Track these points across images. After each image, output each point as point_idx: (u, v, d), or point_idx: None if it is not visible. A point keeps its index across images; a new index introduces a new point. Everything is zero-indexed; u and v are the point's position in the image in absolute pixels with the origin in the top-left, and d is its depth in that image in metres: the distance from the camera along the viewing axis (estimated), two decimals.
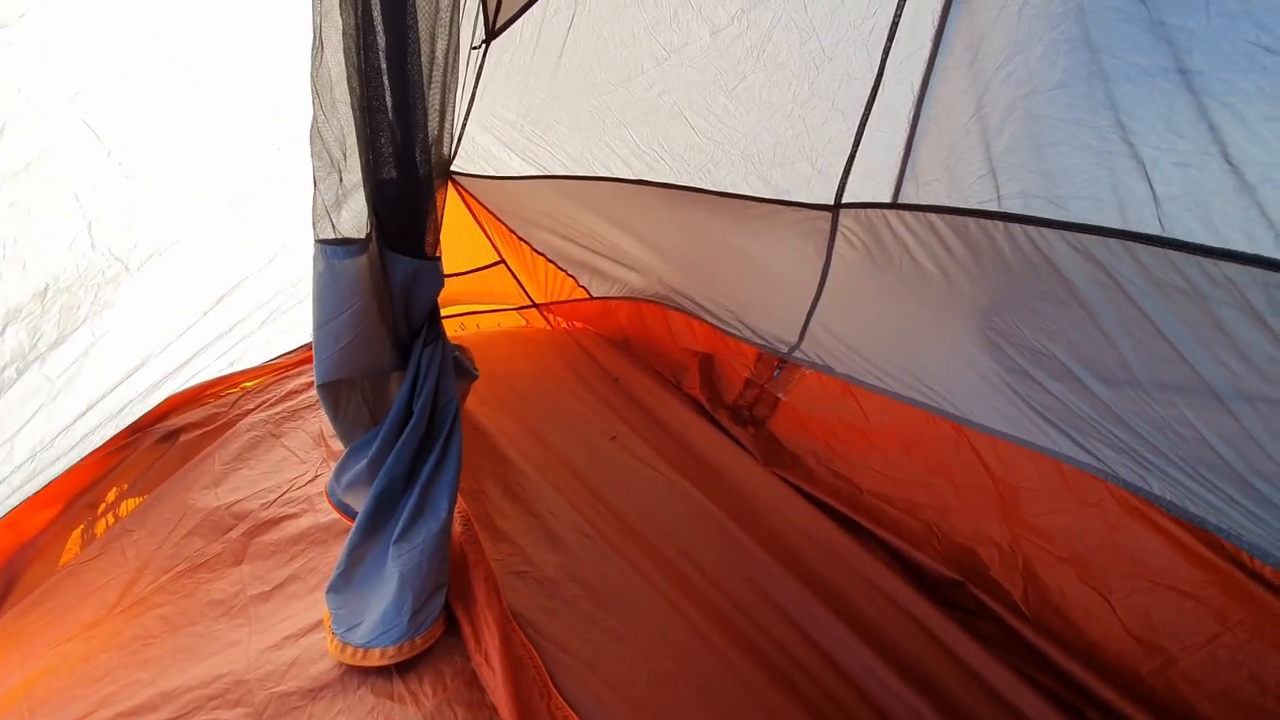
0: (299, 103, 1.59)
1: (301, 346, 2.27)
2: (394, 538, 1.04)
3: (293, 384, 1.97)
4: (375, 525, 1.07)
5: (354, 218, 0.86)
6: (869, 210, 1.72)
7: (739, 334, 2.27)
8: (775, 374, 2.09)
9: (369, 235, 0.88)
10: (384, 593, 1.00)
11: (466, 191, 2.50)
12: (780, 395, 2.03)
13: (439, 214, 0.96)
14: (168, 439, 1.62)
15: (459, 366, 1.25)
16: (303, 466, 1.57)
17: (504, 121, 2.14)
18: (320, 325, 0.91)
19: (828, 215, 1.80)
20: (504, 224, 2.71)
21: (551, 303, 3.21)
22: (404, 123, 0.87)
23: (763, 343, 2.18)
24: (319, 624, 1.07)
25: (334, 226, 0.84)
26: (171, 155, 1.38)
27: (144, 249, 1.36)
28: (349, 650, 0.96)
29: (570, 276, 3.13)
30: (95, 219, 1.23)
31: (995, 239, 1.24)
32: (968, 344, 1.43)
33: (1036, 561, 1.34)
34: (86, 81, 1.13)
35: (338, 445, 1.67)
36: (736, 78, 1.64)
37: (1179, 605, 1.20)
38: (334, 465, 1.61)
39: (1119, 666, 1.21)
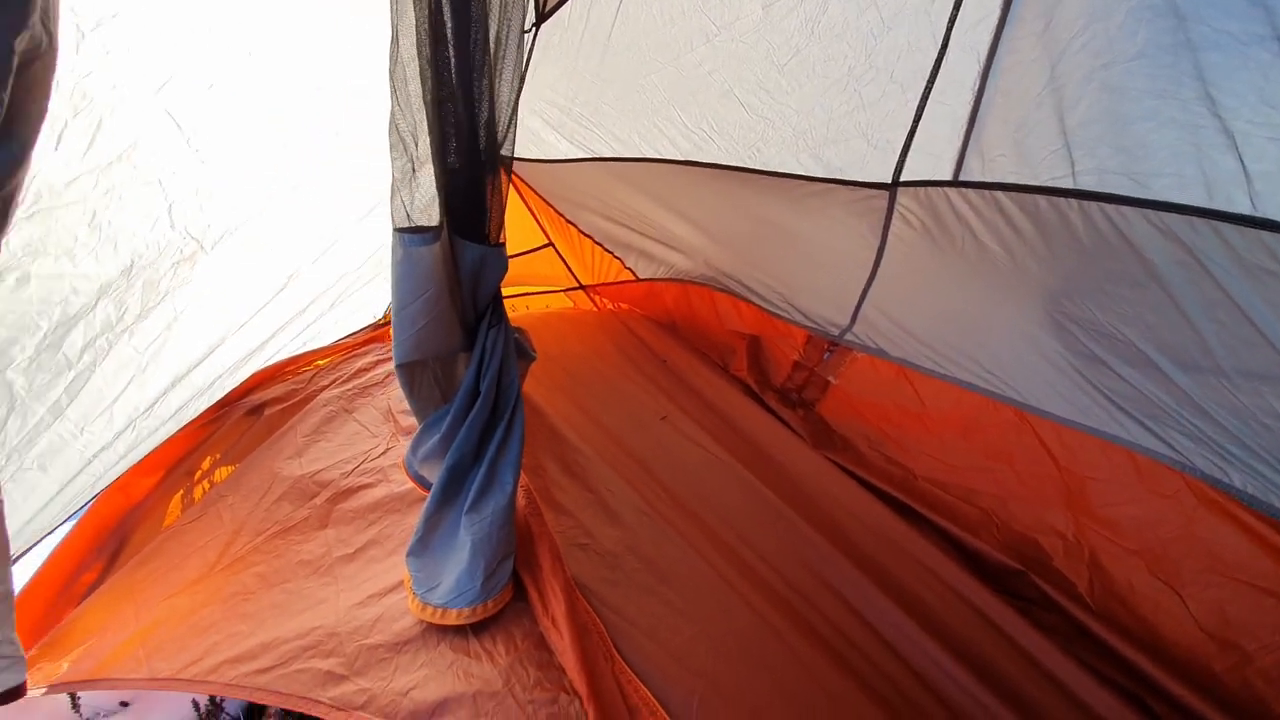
0: (352, 91, 1.65)
1: (367, 326, 2.40)
2: (465, 509, 1.11)
3: (360, 363, 2.09)
4: (448, 496, 1.14)
5: (427, 206, 0.91)
6: (929, 188, 1.67)
7: (788, 316, 2.25)
8: (825, 357, 2.08)
9: (441, 223, 0.93)
10: (458, 559, 1.08)
11: (515, 175, 2.55)
12: (830, 378, 2.01)
13: (502, 199, 0.99)
14: (254, 412, 1.76)
15: (519, 348, 1.31)
16: (374, 440, 1.67)
17: (552, 105, 2.16)
18: (399, 309, 0.97)
19: (884, 194, 1.75)
20: (552, 207, 2.76)
21: (598, 285, 3.25)
22: (469, 111, 0.91)
23: (813, 325, 2.15)
24: (399, 585, 1.15)
25: (409, 216, 0.89)
26: (241, 142, 1.47)
27: (216, 229, 1.45)
28: (429, 609, 1.04)
29: (617, 259, 3.15)
30: (175, 201, 1.31)
31: (1069, 217, 1.19)
32: (1033, 327, 1.38)
33: (1103, 553, 1.30)
34: (169, 75, 1.21)
35: (406, 420, 1.78)
36: (789, 52, 1.60)
37: (1258, 602, 1.15)
38: (403, 439, 1.71)
39: (1190, 662, 1.18)
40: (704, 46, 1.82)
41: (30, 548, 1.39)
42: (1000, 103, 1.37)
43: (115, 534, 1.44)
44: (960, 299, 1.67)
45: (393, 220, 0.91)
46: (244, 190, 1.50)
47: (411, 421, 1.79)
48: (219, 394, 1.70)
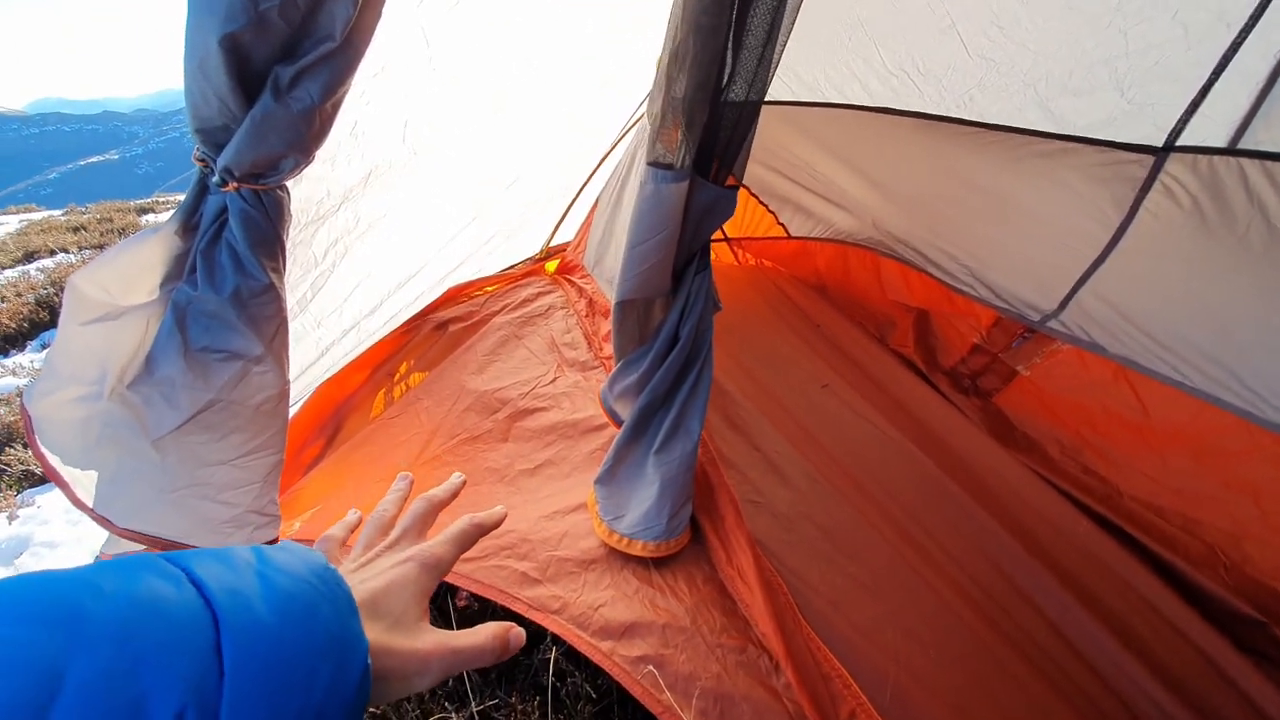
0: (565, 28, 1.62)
1: (527, 260, 2.51)
2: (654, 449, 1.13)
3: (524, 293, 2.18)
4: (637, 433, 1.17)
5: (681, 143, 0.88)
6: (1214, 157, 1.38)
7: (972, 293, 2.02)
8: (1015, 344, 1.85)
9: (689, 162, 0.89)
10: (645, 494, 1.11)
11: None
12: (1020, 369, 1.80)
13: (750, 142, 0.94)
14: (440, 328, 1.91)
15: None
16: (543, 367, 1.75)
17: None
18: (634, 245, 0.97)
19: (1147, 160, 1.47)
20: None
21: (744, 238, 3.12)
22: (736, 46, 0.85)
23: (1005, 306, 1.92)
24: (581, 506, 1.22)
25: (666, 151, 0.86)
26: (472, 68, 1.51)
27: (434, 147, 1.52)
28: (615, 536, 1.09)
29: (770, 212, 3.00)
30: (410, 118, 1.39)
31: None
32: None
33: None
34: None
35: (569, 354, 1.85)
36: None
37: None
38: (568, 370, 1.79)
39: None
40: None
41: None
42: None
43: (333, 419, 1.66)
44: (1226, 295, 1.39)
45: (647, 153, 0.89)
46: (460, 113, 1.57)
47: (574, 354, 1.86)
48: (419, 307, 1.86)
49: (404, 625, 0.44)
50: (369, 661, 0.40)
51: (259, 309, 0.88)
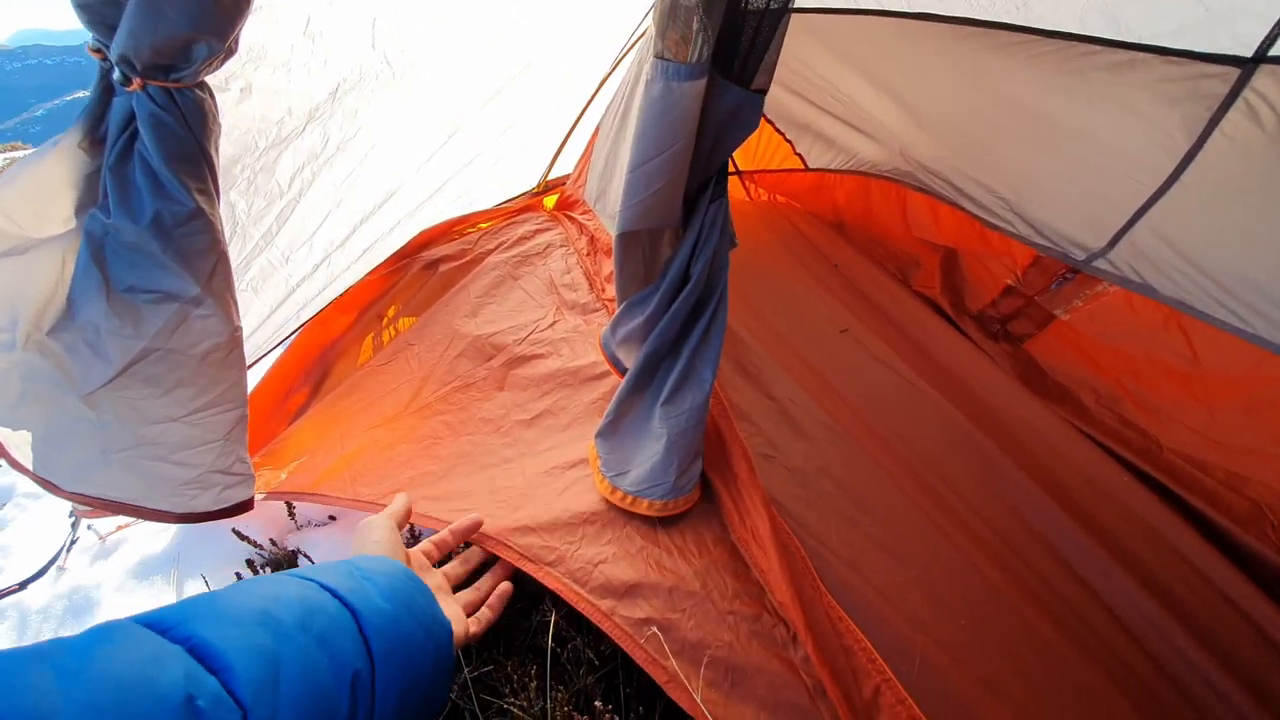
0: None
1: (523, 194, 2.33)
2: (661, 400, 1.03)
3: (520, 230, 2.03)
4: (641, 383, 1.06)
5: (698, 33, 0.71)
6: None
7: (1010, 229, 1.85)
8: (1054, 285, 1.71)
9: (707, 54, 0.73)
10: (650, 450, 1.01)
11: None
12: (1059, 312, 1.66)
13: (782, 38, 0.77)
14: (429, 267, 1.78)
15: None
16: (541, 310, 1.63)
17: None
18: (638, 164, 0.82)
19: (1230, 73, 1.28)
20: None
21: (757, 171, 2.91)
22: None
23: (1046, 244, 1.76)
24: (582, 461, 1.13)
25: (679, 40, 0.70)
26: None
27: (408, 56, 1.34)
28: (618, 494, 1.01)
29: (787, 142, 2.77)
30: (378, 15, 1.20)
31: None
32: None
33: None
34: None
35: (568, 295, 1.72)
36: None
37: None
38: (567, 313, 1.67)
39: None
40: None
41: (250, 366, 1.54)
42: None
43: (319, 364, 1.56)
44: None
45: (655, 44, 0.73)
46: (435, 12, 1.37)
47: (574, 296, 1.73)
48: (399, 240, 1.72)
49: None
50: (452, 632, 0.60)
51: (188, 241, 0.75)
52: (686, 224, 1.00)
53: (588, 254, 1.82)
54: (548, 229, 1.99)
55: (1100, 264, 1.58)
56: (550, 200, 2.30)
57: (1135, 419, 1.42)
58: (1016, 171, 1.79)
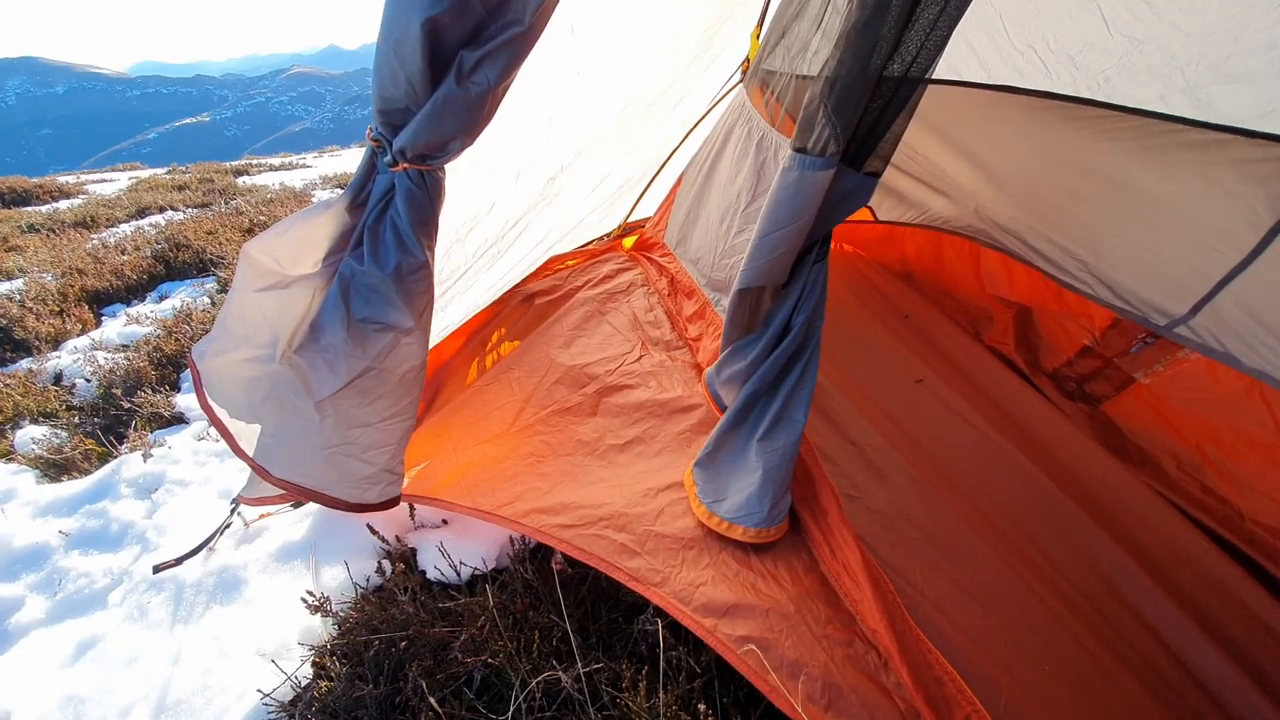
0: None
1: (603, 236, 2.52)
2: (759, 436, 1.13)
3: (604, 269, 2.20)
4: (740, 420, 1.17)
5: (832, 130, 0.85)
6: None
7: (1088, 291, 1.89)
8: (1135, 349, 1.73)
9: (836, 149, 0.86)
10: (746, 481, 1.11)
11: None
12: (1139, 376, 1.68)
13: (902, 129, 0.89)
14: (528, 300, 1.96)
15: None
16: (628, 345, 1.77)
17: None
18: (766, 234, 0.95)
19: None
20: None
21: None
22: (900, 25, 0.80)
23: (1126, 307, 1.78)
24: (673, 485, 1.24)
25: (816, 136, 0.84)
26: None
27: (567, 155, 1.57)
28: (714, 519, 1.11)
29: None
30: (554, 115, 1.42)
31: None
32: None
33: None
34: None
35: (653, 332, 1.85)
36: None
37: None
38: (651, 349, 1.80)
39: None
40: None
41: None
42: None
43: (433, 383, 1.74)
44: None
45: (796, 139, 0.86)
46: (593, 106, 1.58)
47: (658, 334, 1.87)
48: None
49: None
50: None
51: (414, 284, 0.93)
52: (790, 281, 1.12)
53: (668, 294, 1.96)
54: (628, 268, 2.15)
55: (1182, 330, 1.60)
56: (629, 241, 2.47)
57: (1216, 487, 1.42)
58: (1095, 235, 1.84)
